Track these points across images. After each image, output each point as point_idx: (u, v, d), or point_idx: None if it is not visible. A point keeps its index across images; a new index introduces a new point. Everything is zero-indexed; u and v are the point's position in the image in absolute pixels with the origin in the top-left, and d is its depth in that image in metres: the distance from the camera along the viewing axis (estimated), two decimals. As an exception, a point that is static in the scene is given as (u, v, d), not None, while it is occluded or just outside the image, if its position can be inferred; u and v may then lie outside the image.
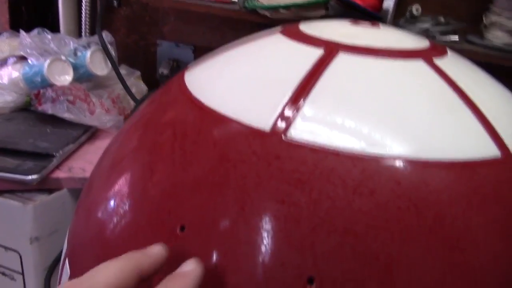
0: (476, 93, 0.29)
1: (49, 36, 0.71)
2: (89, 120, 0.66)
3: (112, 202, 0.31)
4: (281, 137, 0.26)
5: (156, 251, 0.26)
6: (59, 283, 0.37)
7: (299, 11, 0.74)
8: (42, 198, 0.57)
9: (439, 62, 0.31)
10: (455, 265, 0.24)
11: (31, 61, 0.68)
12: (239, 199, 0.26)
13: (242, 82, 0.31)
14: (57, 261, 0.60)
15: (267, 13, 0.74)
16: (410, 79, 0.29)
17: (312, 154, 0.26)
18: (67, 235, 0.38)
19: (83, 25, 0.91)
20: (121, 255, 0.25)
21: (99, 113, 0.67)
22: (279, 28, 0.36)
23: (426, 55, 0.31)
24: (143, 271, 0.25)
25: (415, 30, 0.72)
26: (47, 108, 0.65)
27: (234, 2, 0.80)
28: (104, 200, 0.32)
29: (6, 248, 0.58)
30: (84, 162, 0.62)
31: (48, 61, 0.66)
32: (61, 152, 0.61)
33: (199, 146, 0.29)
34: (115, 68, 0.72)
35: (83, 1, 0.92)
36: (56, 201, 0.58)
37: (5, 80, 0.69)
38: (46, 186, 0.58)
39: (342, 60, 0.30)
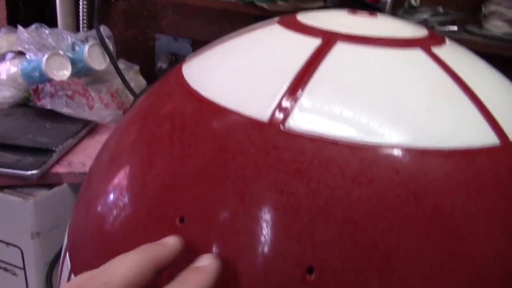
0: (474, 81, 0.29)
1: (46, 31, 0.70)
2: (88, 114, 0.66)
3: (111, 195, 0.31)
4: (280, 127, 0.26)
5: (171, 242, 0.26)
6: (60, 277, 0.37)
7: (297, 2, 0.74)
8: (42, 193, 0.57)
9: (437, 50, 0.31)
10: (454, 254, 0.24)
11: (29, 56, 0.68)
12: (238, 189, 0.26)
13: (240, 73, 0.31)
14: (58, 256, 0.60)
15: (265, 5, 0.74)
16: (408, 68, 0.29)
17: (310, 144, 0.25)
18: (67, 230, 0.38)
19: (80, 19, 0.91)
20: (137, 247, 0.25)
21: (98, 108, 0.67)
22: (276, 18, 0.36)
23: (424, 44, 0.31)
24: (160, 264, 0.24)
25: (413, 20, 0.71)
26: (46, 103, 0.65)
27: (232, -5, 0.79)
28: (103, 194, 0.32)
29: (7, 243, 0.58)
30: (84, 157, 0.62)
31: (46, 56, 0.66)
32: (60, 147, 0.61)
33: (198, 138, 0.28)
34: (113, 62, 0.72)
35: (81, -4, 0.92)
36: (57, 196, 0.58)
37: (4, 76, 0.69)
38: (46, 181, 0.58)
39: (340, 49, 0.30)
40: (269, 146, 0.26)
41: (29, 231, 0.57)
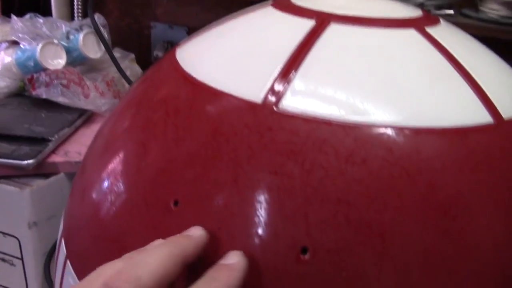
0: (468, 60, 0.29)
1: (41, 20, 0.70)
2: (84, 103, 0.65)
3: (106, 181, 0.31)
4: (273, 108, 0.26)
5: (198, 234, 0.25)
6: (56, 264, 0.37)
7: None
8: (39, 182, 0.57)
9: (431, 30, 0.30)
10: (448, 232, 0.24)
11: (23, 45, 0.68)
12: (232, 171, 0.26)
13: (234, 56, 0.31)
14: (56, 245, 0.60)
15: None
16: (402, 48, 0.29)
17: (304, 125, 0.25)
18: (62, 217, 0.38)
19: (75, 9, 0.90)
20: (164, 240, 0.25)
21: (94, 97, 0.67)
22: (270, 1, 0.35)
23: (418, 24, 0.30)
24: (188, 257, 0.24)
25: (409, 4, 0.71)
26: (41, 92, 0.64)
27: (227, -18, 0.79)
28: (98, 180, 0.32)
29: (4, 234, 0.58)
30: (80, 146, 0.62)
31: (40, 45, 0.65)
32: (56, 136, 0.60)
33: (192, 121, 0.28)
34: (109, 50, 0.72)
35: (75, -15, 0.91)
36: (53, 185, 0.58)
37: (-2, 66, 0.68)
38: (42, 171, 0.58)
39: (333, 30, 0.29)
40: (262, 127, 0.26)
41: (26, 221, 0.56)
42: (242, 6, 0.37)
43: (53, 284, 0.37)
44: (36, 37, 0.67)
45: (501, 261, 0.24)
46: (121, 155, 0.31)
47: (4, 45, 0.72)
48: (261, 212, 0.25)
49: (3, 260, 0.61)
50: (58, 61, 0.67)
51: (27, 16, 0.73)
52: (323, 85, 0.27)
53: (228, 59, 0.31)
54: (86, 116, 0.67)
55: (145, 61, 0.91)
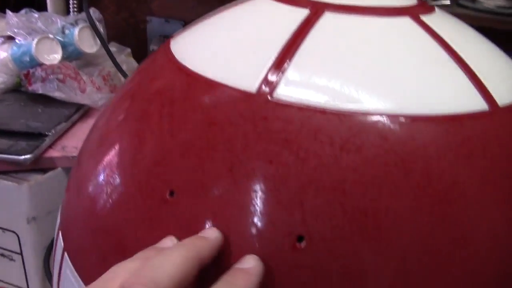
0: (462, 48, 0.29)
1: (36, 14, 0.70)
2: (80, 98, 0.65)
3: (101, 173, 0.31)
4: (267, 98, 0.26)
5: (214, 236, 0.25)
6: (54, 257, 0.37)
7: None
8: (36, 177, 0.57)
9: (425, 18, 0.30)
10: (443, 218, 0.24)
11: (19, 40, 0.67)
12: (227, 161, 0.26)
13: (228, 46, 0.31)
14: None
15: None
16: (396, 36, 0.29)
17: (298, 113, 0.25)
18: (59, 211, 0.38)
19: (70, 3, 0.90)
20: (180, 242, 0.24)
21: (90, 91, 0.66)
22: (264, -9, 0.35)
23: (412, 12, 0.30)
24: (204, 260, 0.24)
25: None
26: (37, 87, 0.64)
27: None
28: (93, 172, 0.32)
29: (3, 229, 0.58)
30: (77, 141, 0.62)
31: (35, 40, 0.65)
32: (53, 131, 0.60)
33: (186, 112, 0.28)
34: (104, 45, 0.72)
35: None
36: (51, 180, 0.58)
37: (-6, 62, 0.68)
38: (40, 166, 0.58)
39: (327, 19, 0.29)
40: (257, 117, 0.26)
41: (25, 216, 0.57)
42: (239, -1, 0.37)
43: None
44: (31, 32, 0.67)
45: (497, 248, 0.24)
46: (116, 147, 0.31)
47: (-1, 40, 0.72)
48: (257, 201, 0.25)
49: (3, 255, 0.61)
50: (54, 56, 0.67)
51: (23, 11, 0.73)
52: (317, 74, 0.27)
53: (222, 49, 0.31)
54: (83, 111, 0.67)
55: (141, 56, 0.91)
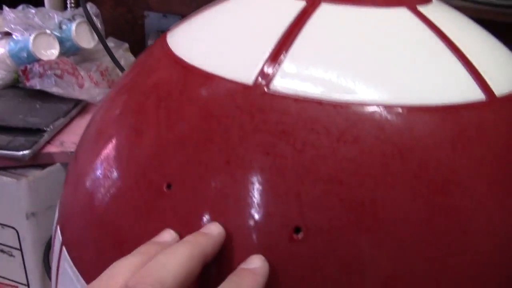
0: (459, 38, 0.29)
1: (32, 10, 0.69)
2: (78, 93, 0.65)
3: (99, 167, 0.31)
4: (264, 89, 0.26)
5: (217, 232, 0.24)
6: (52, 251, 0.37)
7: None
8: (35, 173, 0.57)
9: (422, 9, 0.30)
10: (440, 209, 0.24)
11: (16, 36, 0.67)
12: (224, 153, 0.26)
13: (225, 38, 0.31)
14: (53, 235, 0.60)
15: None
16: (393, 26, 0.29)
17: (295, 104, 0.25)
18: (57, 205, 0.38)
19: (68, -1, 0.90)
20: (184, 239, 0.24)
21: (88, 87, 0.66)
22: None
23: (409, 3, 0.30)
24: (207, 257, 0.23)
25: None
26: (35, 83, 0.64)
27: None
28: (91, 166, 0.32)
29: (2, 225, 0.58)
30: (75, 136, 0.61)
31: (33, 35, 0.65)
32: (51, 126, 0.60)
33: (183, 104, 0.28)
34: (102, 40, 0.72)
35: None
36: (50, 175, 0.58)
37: (-8, 58, 0.68)
38: (38, 162, 0.58)
39: (324, 10, 0.29)
40: (254, 108, 0.26)
41: (24, 211, 0.57)
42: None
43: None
44: (28, 27, 0.67)
45: (494, 236, 0.24)
46: (113, 141, 0.31)
47: (-3, 36, 0.72)
48: (254, 193, 0.25)
49: (2, 251, 0.61)
50: (51, 52, 0.67)
51: (20, 7, 0.73)
52: (314, 65, 0.27)
53: (219, 42, 0.31)
54: (81, 106, 0.67)
55: (139, 51, 0.90)
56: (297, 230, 0.24)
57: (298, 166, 0.24)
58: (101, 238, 0.30)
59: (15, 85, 0.70)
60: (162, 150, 0.28)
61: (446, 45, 0.28)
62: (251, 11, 0.32)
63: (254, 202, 0.24)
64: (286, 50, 0.27)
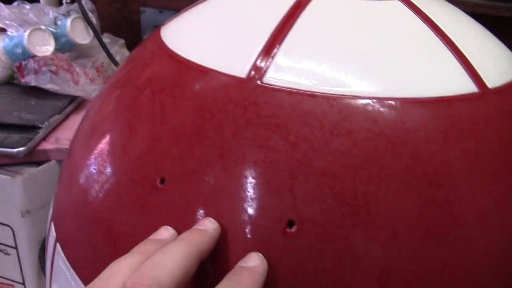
0: (453, 31, 0.29)
1: (27, 6, 0.69)
2: (73, 90, 0.65)
3: (93, 162, 0.31)
4: (257, 83, 0.26)
5: (212, 228, 0.24)
6: (47, 247, 0.37)
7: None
8: (30, 170, 0.56)
9: (415, 1, 0.30)
10: (433, 201, 0.24)
11: (11, 32, 0.67)
12: (218, 147, 0.25)
13: (218, 31, 0.31)
14: (49, 232, 0.60)
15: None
16: (386, 19, 0.29)
17: (288, 97, 0.25)
18: (52, 202, 0.38)
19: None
20: (179, 237, 0.24)
21: (84, 83, 0.66)
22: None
23: (403, -5, 0.30)
24: (204, 254, 0.23)
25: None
26: (30, 80, 0.64)
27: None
28: (85, 162, 0.32)
29: (-3, 223, 0.58)
30: (71, 133, 0.61)
31: (27, 31, 0.64)
32: (47, 123, 0.60)
33: (177, 99, 0.28)
34: (97, 35, 0.71)
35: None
36: (45, 173, 0.58)
37: (-14, 55, 0.68)
38: (33, 159, 0.57)
39: (318, 3, 0.29)
40: (247, 102, 0.26)
41: (19, 209, 0.56)
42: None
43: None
44: (23, 23, 0.66)
45: (486, 229, 0.24)
46: (107, 136, 0.31)
47: (-9, 32, 0.71)
48: (247, 187, 0.24)
49: (-2, 249, 0.61)
50: (46, 48, 0.66)
51: (15, 3, 0.72)
52: (307, 58, 0.26)
53: (213, 35, 0.31)
54: (76, 103, 0.67)
55: (135, 47, 0.91)
56: (290, 223, 0.24)
57: (291, 159, 0.24)
58: (95, 234, 0.30)
59: (10, 81, 0.70)
60: (155, 145, 0.28)
61: (439, 37, 0.28)
62: (245, 4, 0.32)
63: (247, 196, 0.24)
64: (280, 43, 0.27)
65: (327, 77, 0.26)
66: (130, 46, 0.85)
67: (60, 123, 0.63)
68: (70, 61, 0.67)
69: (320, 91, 0.25)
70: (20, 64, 0.65)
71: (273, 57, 0.27)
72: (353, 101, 0.25)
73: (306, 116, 0.25)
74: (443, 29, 0.28)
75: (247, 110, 0.25)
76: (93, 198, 0.30)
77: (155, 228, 0.26)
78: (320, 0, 0.29)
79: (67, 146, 0.58)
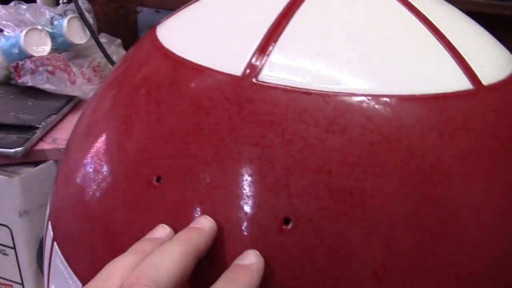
0: (447, 28, 0.29)
1: (24, 6, 0.69)
2: (70, 90, 0.65)
3: (89, 161, 0.31)
4: (253, 80, 0.26)
5: (209, 226, 0.24)
6: (44, 247, 0.37)
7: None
8: (28, 170, 0.56)
9: (411, -1, 0.30)
10: (428, 197, 0.24)
11: (7, 32, 0.67)
12: (213, 145, 0.26)
13: (214, 30, 0.31)
14: (46, 231, 0.60)
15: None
16: (381, 16, 0.29)
17: (284, 95, 0.25)
18: (49, 202, 0.38)
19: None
20: (176, 235, 0.24)
21: (81, 83, 0.66)
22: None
23: (398, -7, 0.30)
24: (201, 252, 0.23)
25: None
26: (27, 80, 0.64)
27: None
28: (81, 161, 0.32)
29: (-5, 223, 0.58)
30: (68, 133, 0.60)
31: (24, 31, 0.64)
32: (44, 123, 0.60)
33: (173, 97, 0.28)
34: (94, 35, 0.71)
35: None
36: (43, 173, 0.58)
37: (-17, 55, 0.67)
38: (31, 159, 0.57)
39: (312, 0, 0.29)
40: (242, 100, 0.26)
41: (17, 209, 0.56)
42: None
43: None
44: (19, 23, 0.66)
45: (482, 225, 0.24)
46: (103, 135, 0.31)
47: (-12, 33, 0.71)
48: (243, 185, 0.25)
49: (-4, 249, 0.61)
50: (43, 48, 0.66)
51: (12, 3, 0.72)
52: (302, 56, 0.27)
53: (208, 33, 0.31)
54: (73, 103, 0.67)
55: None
56: (286, 221, 0.24)
57: (286, 156, 0.24)
58: (92, 232, 0.30)
59: (7, 82, 0.70)
60: (151, 143, 0.28)
61: (434, 35, 0.28)
62: (240, 2, 0.32)
63: (243, 193, 0.24)
64: (275, 41, 0.27)
65: (322, 75, 0.26)
66: (127, 46, 0.85)
67: (57, 123, 0.63)
68: (67, 61, 0.67)
69: (315, 89, 0.25)
70: (17, 64, 0.65)
71: (268, 55, 0.27)
72: (348, 98, 0.25)
73: (301, 113, 0.25)
74: (438, 26, 0.29)
75: (243, 108, 0.25)
76: (90, 197, 0.30)
77: (152, 226, 0.26)
78: (315, -3, 0.29)
79: (64, 146, 0.58)
